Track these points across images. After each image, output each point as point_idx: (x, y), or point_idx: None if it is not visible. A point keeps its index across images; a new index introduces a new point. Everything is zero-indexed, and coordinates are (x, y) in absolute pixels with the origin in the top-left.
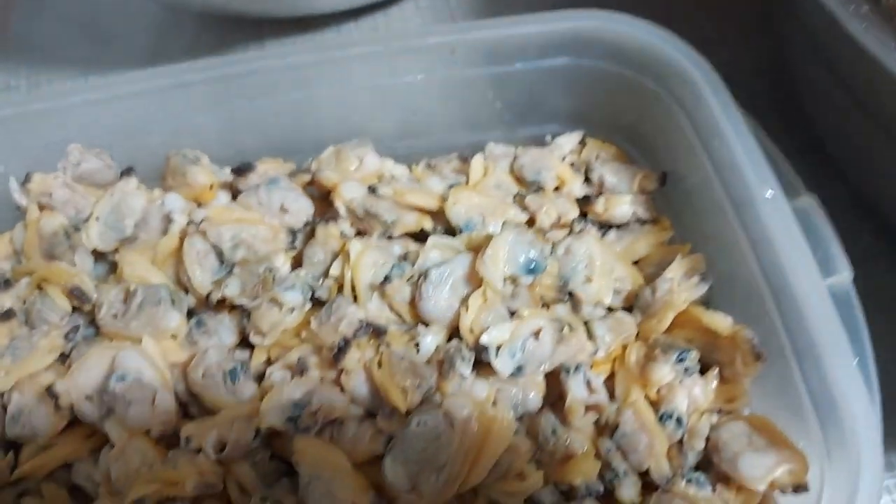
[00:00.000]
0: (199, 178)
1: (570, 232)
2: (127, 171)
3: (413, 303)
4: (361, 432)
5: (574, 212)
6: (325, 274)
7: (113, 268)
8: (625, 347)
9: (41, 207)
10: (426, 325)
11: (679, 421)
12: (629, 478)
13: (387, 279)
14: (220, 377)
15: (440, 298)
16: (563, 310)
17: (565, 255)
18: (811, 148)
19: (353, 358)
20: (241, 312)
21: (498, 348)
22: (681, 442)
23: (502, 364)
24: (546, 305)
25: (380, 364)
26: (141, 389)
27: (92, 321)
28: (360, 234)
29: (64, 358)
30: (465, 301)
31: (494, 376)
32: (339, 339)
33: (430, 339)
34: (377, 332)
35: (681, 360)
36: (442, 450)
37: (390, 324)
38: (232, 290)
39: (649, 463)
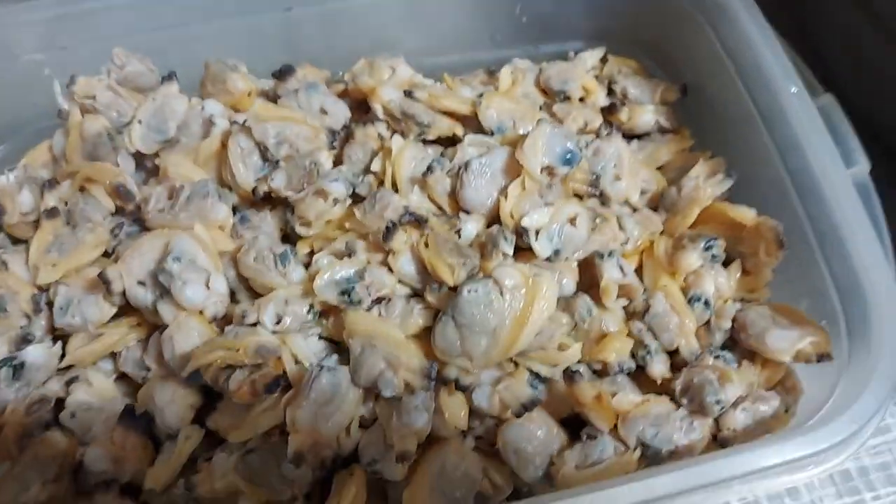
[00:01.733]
0: (239, 85)
1: (598, 137)
2: (169, 76)
3: (453, 193)
4: (409, 308)
5: (599, 119)
6: (365, 172)
7: (152, 173)
8: (652, 242)
9: (83, 111)
10: (467, 213)
11: (707, 303)
12: (660, 355)
13: (429, 169)
14: (271, 260)
15: (481, 187)
16: (594, 204)
17: (594, 156)
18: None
19: (400, 239)
20: (285, 207)
21: (537, 232)
22: (707, 323)
23: (541, 246)
24: (579, 199)
25: (426, 244)
26: (196, 271)
27: (135, 220)
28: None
29: (107, 255)
30: (503, 191)
31: (532, 261)
32: (387, 222)
33: (471, 226)
34: (419, 222)
35: (708, 248)
36: (492, 315)
37: (430, 214)
38: (278, 182)
39: (679, 341)
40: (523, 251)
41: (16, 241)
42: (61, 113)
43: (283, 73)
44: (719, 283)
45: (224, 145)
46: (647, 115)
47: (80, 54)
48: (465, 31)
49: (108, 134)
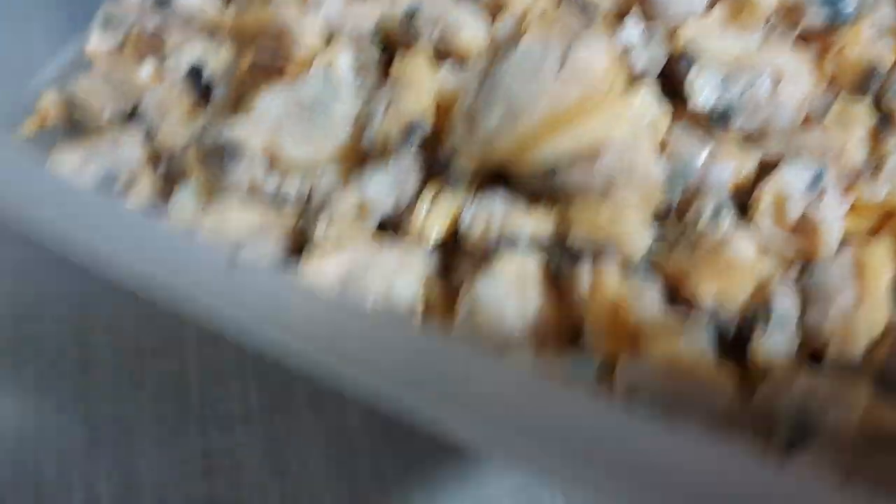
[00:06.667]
0: None
1: None
2: None
3: None
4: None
5: None
6: None
7: None
8: None
9: None
10: (645, 16)
11: None
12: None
13: None
14: None
15: None
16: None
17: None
18: None
19: None
20: None
21: (703, 69)
22: None
23: (700, 90)
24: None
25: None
26: None
27: None
28: None
29: None
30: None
31: (686, 118)
32: None
33: (633, 33)
34: None
35: None
36: (534, 86)
37: None
38: None
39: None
40: (679, 100)
41: None
42: None
43: None
44: None
45: None
46: None
47: None
48: None
49: None
